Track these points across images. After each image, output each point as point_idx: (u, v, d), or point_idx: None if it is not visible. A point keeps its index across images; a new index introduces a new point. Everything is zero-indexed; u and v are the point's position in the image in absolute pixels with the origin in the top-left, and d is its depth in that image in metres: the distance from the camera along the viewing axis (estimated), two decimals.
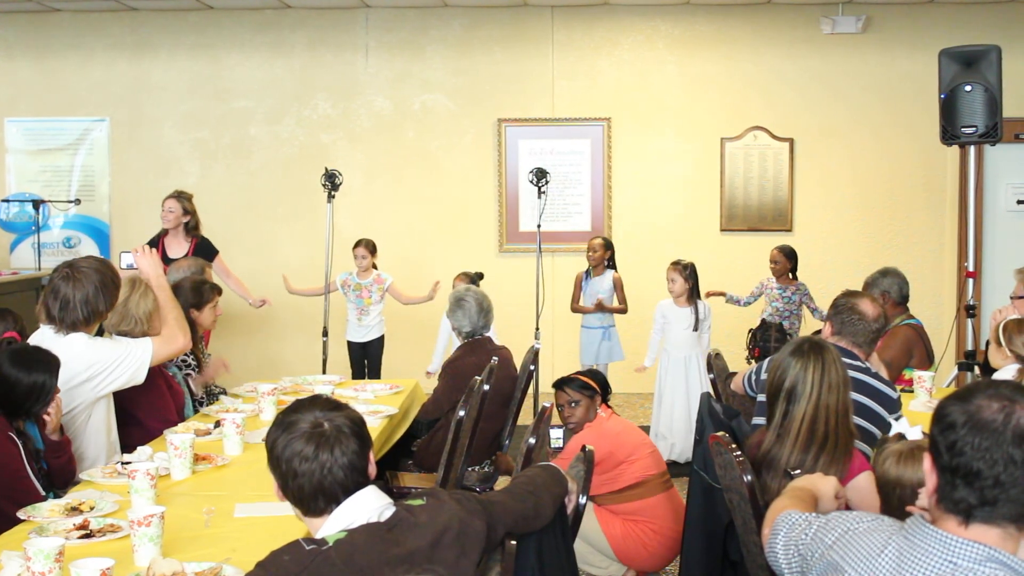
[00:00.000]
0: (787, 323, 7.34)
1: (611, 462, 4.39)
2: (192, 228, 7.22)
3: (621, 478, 4.44)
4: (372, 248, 7.55)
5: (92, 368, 3.87)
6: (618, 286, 7.48)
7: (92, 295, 3.89)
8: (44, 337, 3.86)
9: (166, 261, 6.25)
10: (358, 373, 7.54)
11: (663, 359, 6.92)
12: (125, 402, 4.14)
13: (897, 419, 3.47)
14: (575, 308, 7.64)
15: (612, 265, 7.54)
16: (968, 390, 1.86)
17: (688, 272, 6.80)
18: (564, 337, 8.13)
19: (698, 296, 6.90)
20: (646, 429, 7.41)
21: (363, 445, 2.25)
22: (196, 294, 5.02)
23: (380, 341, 7.60)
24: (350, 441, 2.22)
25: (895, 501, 2.51)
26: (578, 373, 4.72)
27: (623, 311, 7.54)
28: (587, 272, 7.59)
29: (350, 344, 7.61)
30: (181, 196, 7.26)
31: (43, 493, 3.34)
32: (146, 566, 2.53)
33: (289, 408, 2.31)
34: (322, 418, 2.23)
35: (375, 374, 7.48)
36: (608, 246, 7.55)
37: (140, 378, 4.02)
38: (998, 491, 1.79)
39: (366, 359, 7.59)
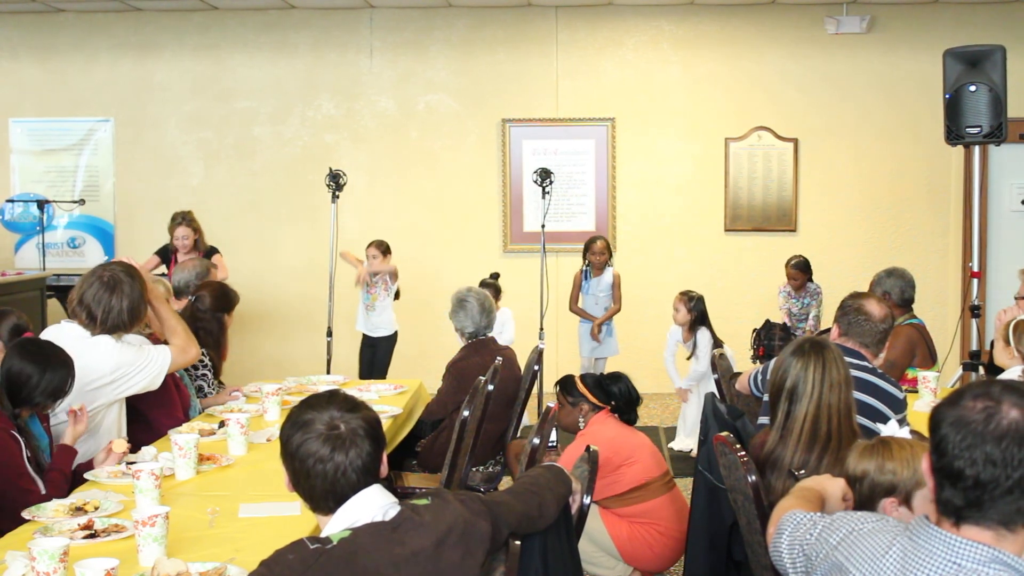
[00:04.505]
0: (803, 326, 7.44)
1: (609, 467, 4.36)
2: (201, 246, 7.35)
3: (622, 481, 4.41)
4: (384, 248, 7.55)
5: (118, 371, 3.94)
6: (616, 284, 7.53)
7: (136, 303, 4.00)
8: (73, 335, 3.89)
9: None
10: (365, 366, 7.52)
11: (688, 381, 6.91)
12: (134, 400, 4.17)
13: (899, 421, 3.46)
14: (574, 309, 7.66)
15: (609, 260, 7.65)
16: (959, 391, 1.85)
17: (693, 304, 6.72)
18: (568, 337, 8.12)
19: (700, 325, 6.79)
20: (653, 429, 7.42)
21: (377, 447, 2.24)
22: (225, 299, 5.11)
23: (389, 340, 7.58)
24: (365, 443, 2.20)
25: (856, 496, 2.47)
26: (601, 376, 4.61)
27: (617, 311, 7.59)
28: (586, 272, 7.58)
29: (363, 336, 7.62)
30: (186, 218, 7.35)
31: (44, 491, 3.34)
32: (150, 566, 2.53)
33: (306, 403, 2.28)
34: (338, 419, 2.20)
35: (381, 373, 7.45)
36: (609, 247, 7.66)
37: (157, 384, 4.11)
38: (980, 492, 1.77)
39: (374, 356, 7.58)
